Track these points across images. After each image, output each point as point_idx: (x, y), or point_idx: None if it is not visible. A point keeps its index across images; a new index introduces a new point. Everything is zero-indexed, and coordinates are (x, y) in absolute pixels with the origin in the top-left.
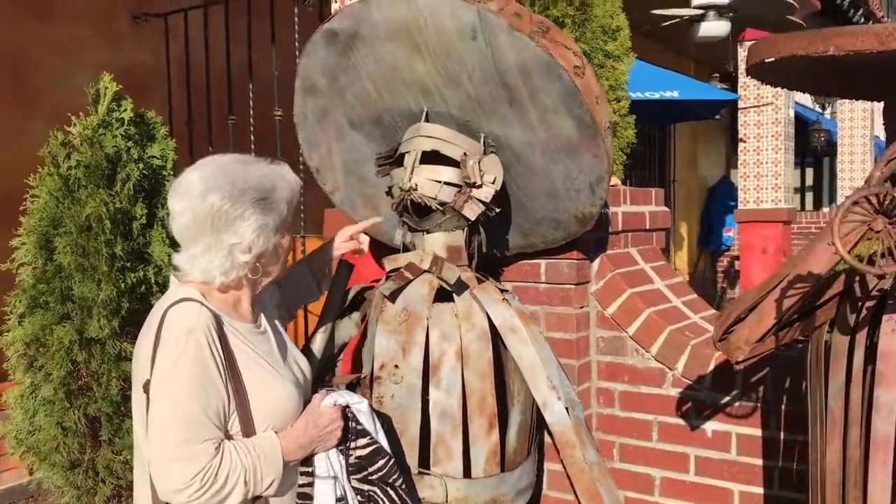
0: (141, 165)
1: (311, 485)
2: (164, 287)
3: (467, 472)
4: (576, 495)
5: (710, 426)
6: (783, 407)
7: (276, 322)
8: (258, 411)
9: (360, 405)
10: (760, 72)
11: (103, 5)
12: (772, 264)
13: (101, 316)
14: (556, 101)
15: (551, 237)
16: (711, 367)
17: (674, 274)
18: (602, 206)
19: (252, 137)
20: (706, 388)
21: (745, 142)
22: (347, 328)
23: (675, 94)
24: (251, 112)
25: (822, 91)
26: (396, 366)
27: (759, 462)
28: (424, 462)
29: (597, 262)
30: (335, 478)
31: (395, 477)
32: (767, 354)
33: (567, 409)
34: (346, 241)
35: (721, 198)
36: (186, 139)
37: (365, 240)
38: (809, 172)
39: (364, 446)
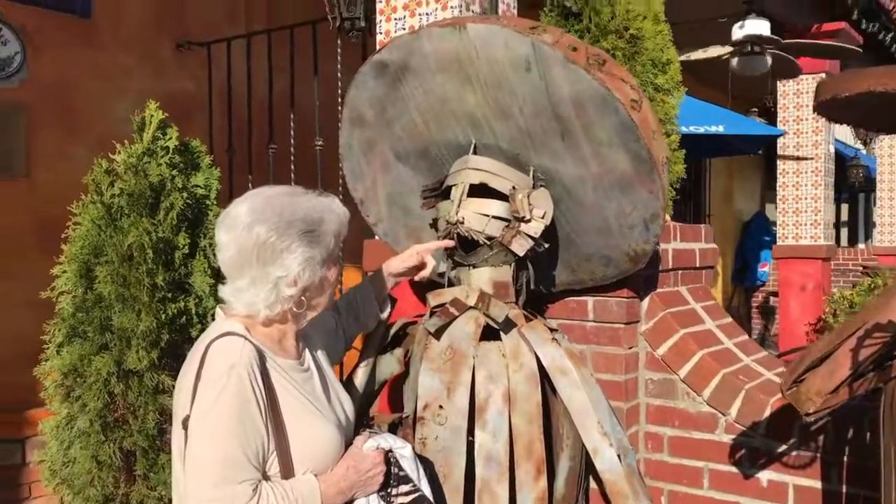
0: (185, 195)
1: None
2: (204, 318)
3: None
4: None
5: (766, 475)
6: (845, 459)
7: (322, 358)
8: (298, 452)
9: (403, 450)
10: (830, 108)
11: (148, 34)
12: (810, 301)
13: (140, 347)
14: (612, 135)
15: (601, 274)
16: (767, 413)
17: (724, 314)
18: (655, 243)
19: (292, 167)
20: (761, 435)
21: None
22: (389, 364)
23: (720, 129)
24: (292, 141)
25: (887, 128)
26: (441, 406)
27: None
28: None
29: (647, 300)
30: None
31: None
32: None
33: (619, 456)
34: (413, 256)
35: (756, 233)
36: (226, 167)
37: (431, 261)
38: (844, 208)
39: (406, 493)
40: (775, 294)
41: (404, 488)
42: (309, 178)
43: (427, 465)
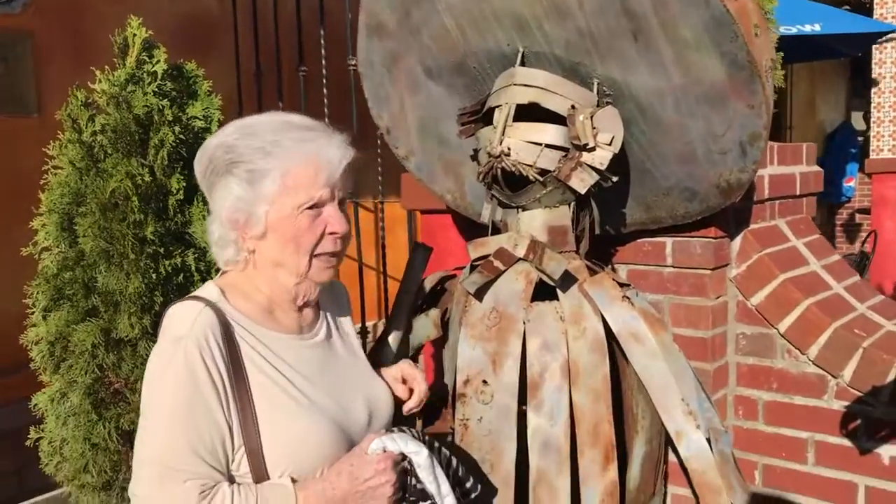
0: (178, 129)
1: None
2: (207, 275)
3: None
4: None
5: (889, 451)
6: None
7: (347, 336)
8: (271, 449)
9: (417, 456)
10: None
11: None
12: None
13: (131, 312)
14: (699, 34)
15: (682, 211)
16: (891, 377)
17: (831, 250)
18: (754, 171)
19: (325, 91)
20: (883, 404)
21: (878, 83)
22: (424, 327)
23: (817, 28)
24: (323, 62)
25: None
26: (485, 381)
27: None
28: None
29: (738, 239)
30: None
31: None
32: None
33: (709, 440)
34: (397, 383)
35: (841, 145)
36: (255, 94)
37: (420, 389)
38: None
39: None
40: (861, 211)
41: None
42: (344, 102)
43: (464, 461)
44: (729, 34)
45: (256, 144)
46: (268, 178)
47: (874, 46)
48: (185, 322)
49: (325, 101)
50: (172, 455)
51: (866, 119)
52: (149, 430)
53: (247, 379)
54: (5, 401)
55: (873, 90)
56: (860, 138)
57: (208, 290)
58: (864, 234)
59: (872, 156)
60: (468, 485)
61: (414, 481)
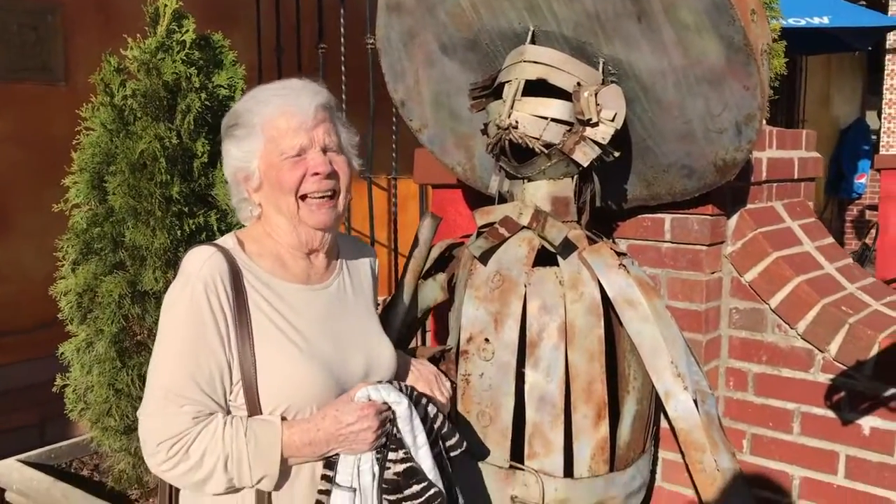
0: (203, 95)
1: (328, 492)
2: None
3: (569, 470)
4: None
5: (869, 422)
6: None
7: (368, 298)
8: (266, 386)
9: (398, 406)
10: None
11: None
12: None
13: (156, 267)
14: (699, 17)
15: (681, 188)
16: (874, 351)
17: (825, 233)
18: (749, 151)
19: (343, 68)
20: (866, 377)
21: (891, 79)
22: (432, 290)
23: (826, 21)
24: (342, 40)
25: None
26: (487, 339)
27: None
28: (517, 455)
29: (734, 218)
30: (354, 490)
31: None
32: None
33: (696, 401)
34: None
35: (854, 141)
36: (275, 68)
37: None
38: None
39: (400, 461)
40: (872, 207)
41: (400, 454)
42: (361, 81)
43: (454, 423)
44: (727, 17)
45: (249, 106)
46: (253, 134)
47: (888, 38)
48: (196, 264)
49: (343, 78)
50: (175, 382)
51: (881, 117)
52: (158, 359)
53: (249, 320)
54: (28, 357)
55: (885, 87)
56: (874, 137)
57: (226, 239)
58: (874, 231)
59: (882, 151)
60: (452, 441)
61: (395, 430)
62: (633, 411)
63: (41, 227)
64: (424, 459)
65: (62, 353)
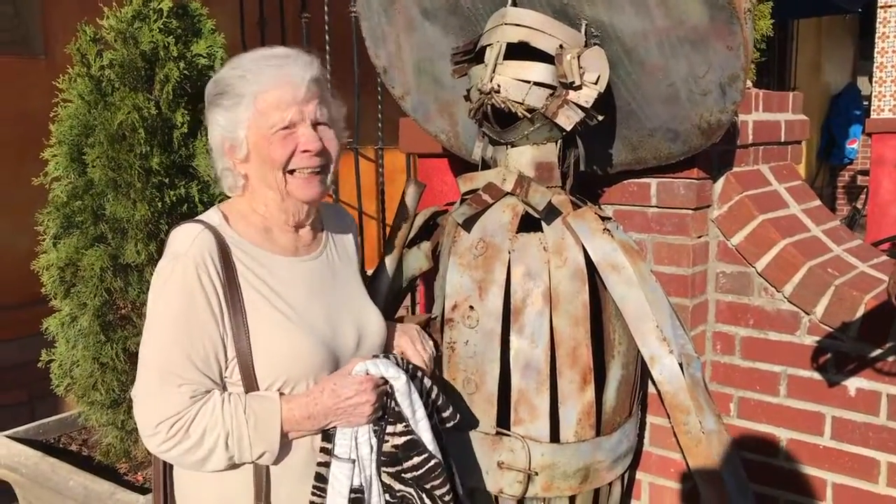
0: (182, 65)
1: (327, 464)
2: (209, 206)
3: (555, 435)
4: (688, 467)
5: (855, 383)
6: None
7: (349, 264)
8: (262, 362)
9: (396, 381)
10: None
11: None
12: None
13: (137, 239)
14: None
15: (666, 151)
16: (860, 312)
17: (812, 196)
18: (734, 112)
19: (327, 37)
20: (851, 339)
21: (881, 42)
22: (417, 259)
23: None
24: (325, 9)
25: None
26: (471, 307)
27: None
28: (504, 422)
29: (720, 181)
30: (353, 461)
31: (436, 483)
32: None
33: (681, 365)
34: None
35: (846, 107)
36: (259, 39)
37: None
38: None
39: (400, 434)
40: (863, 173)
41: (400, 427)
42: (345, 49)
43: (446, 392)
44: None
45: (237, 74)
46: (242, 104)
47: (879, 7)
48: (184, 242)
49: (328, 48)
50: (170, 362)
51: (872, 82)
52: (150, 339)
53: (241, 295)
54: (16, 334)
55: (876, 50)
56: (865, 102)
57: (210, 214)
58: (864, 196)
59: (873, 115)
60: (446, 413)
61: (393, 404)
62: (618, 376)
63: (21, 206)
64: (424, 432)
65: (47, 329)
